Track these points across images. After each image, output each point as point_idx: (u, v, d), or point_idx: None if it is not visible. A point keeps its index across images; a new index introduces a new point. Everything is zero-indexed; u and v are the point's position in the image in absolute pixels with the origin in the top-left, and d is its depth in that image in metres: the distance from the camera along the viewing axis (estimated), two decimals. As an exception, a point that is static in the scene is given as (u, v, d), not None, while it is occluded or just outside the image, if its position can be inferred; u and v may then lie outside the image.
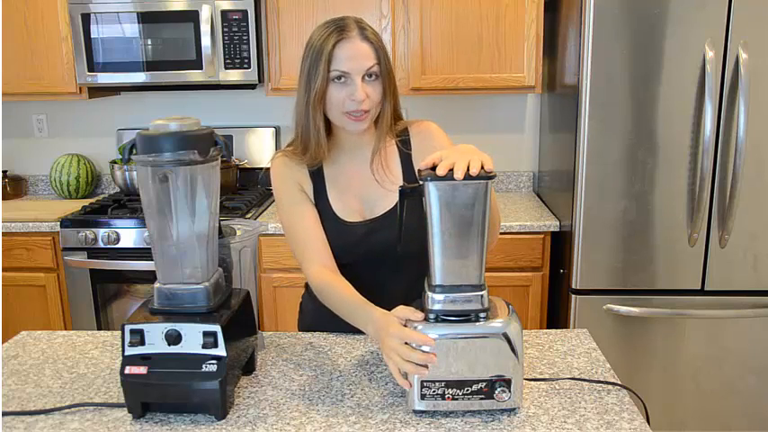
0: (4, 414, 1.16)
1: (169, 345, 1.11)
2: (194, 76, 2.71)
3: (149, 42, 2.70)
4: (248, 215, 2.65)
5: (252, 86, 2.91)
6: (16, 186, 3.22)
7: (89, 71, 2.74)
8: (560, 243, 2.50)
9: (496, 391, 1.10)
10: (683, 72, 2.15)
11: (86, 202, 2.93)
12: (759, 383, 2.35)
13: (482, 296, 1.11)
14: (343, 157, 1.47)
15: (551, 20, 2.69)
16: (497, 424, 1.10)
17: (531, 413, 1.13)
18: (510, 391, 1.10)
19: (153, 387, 1.11)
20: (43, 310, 2.71)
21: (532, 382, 1.24)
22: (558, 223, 2.52)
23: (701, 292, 2.30)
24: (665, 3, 2.12)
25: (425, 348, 1.08)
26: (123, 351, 1.12)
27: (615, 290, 2.32)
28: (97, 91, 2.90)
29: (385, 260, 1.41)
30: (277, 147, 3.11)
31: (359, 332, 1.46)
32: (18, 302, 2.71)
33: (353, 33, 1.32)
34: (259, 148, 3.11)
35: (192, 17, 2.66)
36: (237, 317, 1.19)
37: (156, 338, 1.11)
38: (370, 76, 1.34)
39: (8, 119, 3.22)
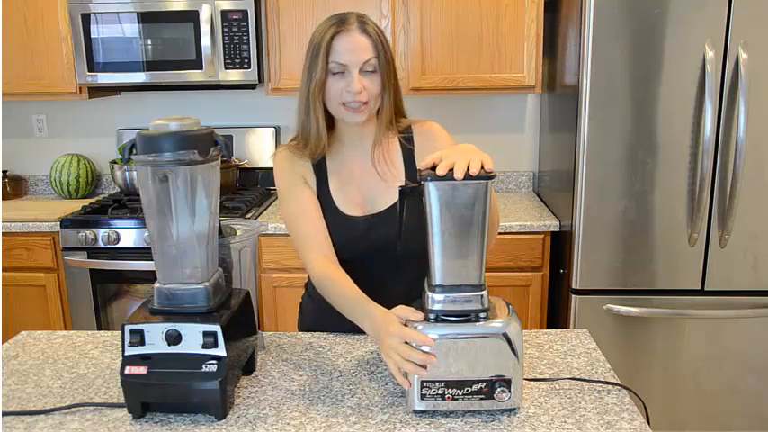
0: (4, 414, 1.16)
1: (169, 345, 1.11)
2: (194, 76, 2.71)
3: (149, 42, 2.70)
4: (248, 215, 2.65)
5: (252, 86, 2.91)
6: (16, 186, 3.22)
7: (89, 71, 2.74)
8: (560, 243, 2.50)
9: (496, 391, 1.10)
10: (683, 72, 2.15)
11: (86, 202, 2.93)
12: (759, 383, 2.35)
13: (482, 296, 1.11)
14: (345, 152, 1.48)
15: (551, 20, 2.69)
16: (497, 424, 1.10)
17: (531, 413, 1.13)
18: (510, 391, 1.10)
19: (153, 387, 1.11)
20: (43, 310, 2.71)
21: (532, 382, 1.24)
22: (558, 223, 2.52)
23: (701, 292, 2.30)
24: (665, 3, 2.12)
25: (425, 348, 1.08)
26: (123, 351, 1.12)
27: (615, 290, 2.32)
28: (97, 91, 2.90)
29: (385, 258, 1.41)
30: (277, 147, 3.10)
31: (359, 332, 1.46)
32: (18, 302, 2.71)
33: (353, 27, 1.35)
34: (259, 148, 3.11)
35: (191, 17, 2.66)
36: (237, 317, 1.19)
37: (156, 338, 1.11)
38: (369, 69, 1.35)
39: (8, 119, 3.22)
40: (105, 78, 2.74)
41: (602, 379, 1.26)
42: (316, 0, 2.67)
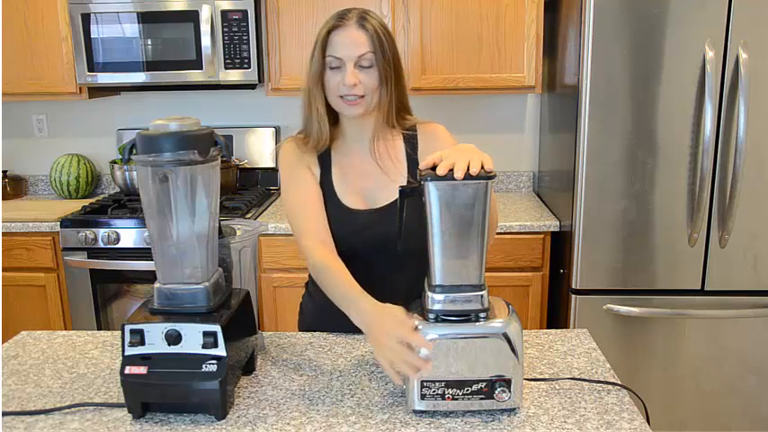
0: (4, 414, 1.16)
1: (169, 345, 1.11)
2: (194, 76, 2.71)
3: (149, 42, 2.70)
4: (248, 215, 2.65)
5: (252, 86, 2.91)
6: (16, 186, 3.22)
7: (89, 71, 2.74)
8: (560, 243, 2.50)
9: (496, 391, 1.10)
10: (683, 72, 2.15)
11: (86, 202, 2.93)
12: (759, 383, 2.35)
13: (482, 296, 1.11)
14: (348, 145, 1.50)
15: (551, 20, 2.69)
16: (497, 424, 1.10)
17: (531, 413, 1.13)
18: (510, 391, 1.10)
19: (153, 387, 1.11)
20: (43, 310, 2.71)
21: (532, 382, 1.24)
22: (558, 223, 2.52)
23: (701, 292, 2.30)
24: (665, 3, 2.12)
25: (423, 351, 1.08)
26: (123, 351, 1.12)
27: (615, 290, 2.32)
28: (97, 91, 2.90)
29: (385, 255, 1.41)
30: (277, 148, 3.10)
31: (359, 332, 1.46)
32: (18, 302, 2.71)
33: (350, 22, 1.38)
34: (259, 148, 3.11)
35: (191, 17, 2.66)
36: (237, 317, 1.19)
37: (156, 338, 1.11)
38: (365, 63, 1.38)
39: (8, 119, 3.22)
40: (105, 78, 2.74)
41: (602, 379, 1.26)
42: (316, 0, 2.67)
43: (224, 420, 1.13)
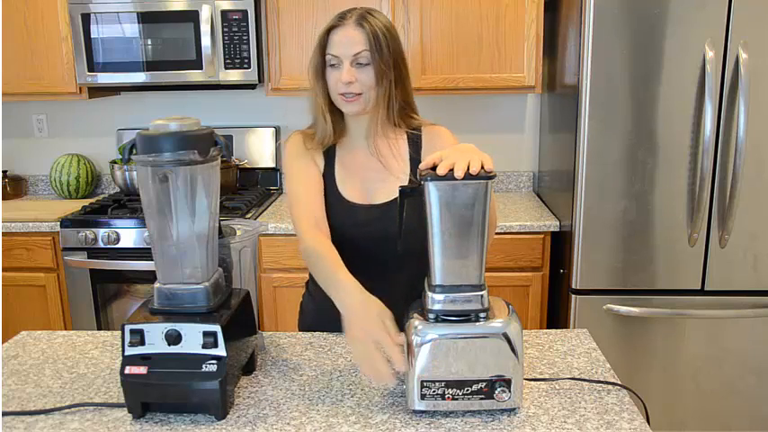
0: (4, 414, 1.16)
1: (169, 345, 1.11)
2: (194, 76, 2.71)
3: (149, 42, 2.70)
4: (248, 215, 2.65)
5: (252, 86, 2.91)
6: (16, 186, 3.22)
7: (89, 71, 2.74)
8: (560, 243, 2.50)
9: (496, 391, 1.10)
10: (683, 72, 2.15)
11: (86, 202, 2.93)
12: (759, 383, 2.35)
13: (482, 296, 1.11)
14: (352, 141, 1.53)
15: (551, 20, 2.69)
16: (497, 424, 1.10)
17: (531, 413, 1.13)
18: (510, 391, 1.10)
19: (153, 387, 1.11)
20: (43, 310, 2.71)
21: (532, 382, 1.24)
22: (558, 223, 2.52)
23: (701, 292, 2.30)
24: (665, 3, 2.12)
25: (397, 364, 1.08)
26: (123, 351, 1.12)
27: (615, 290, 2.32)
28: (97, 91, 2.90)
29: (385, 254, 1.41)
30: (277, 147, 3.11)
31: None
32: (18, 302, 2.71)
33: (350, 21, 1.41)
34: (259, 148, 3.11)
35: (191, 17, 2.66)
36: (237, 317, 1.19)
37: (156, 338, 1.11)
38: (362, 61, 1.40)
39: (8, 119, 3.22)
40: (105, 78, 2.74)
41: (602, 379, 1.26)
42: (316, 0, 2.67)
43: (224, 420, 1.12)
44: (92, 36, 2.70)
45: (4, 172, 3.17)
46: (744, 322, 2.31)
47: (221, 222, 1.27)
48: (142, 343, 1.12)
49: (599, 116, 2.20)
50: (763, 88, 2.15)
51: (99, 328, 2.69)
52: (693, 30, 2.12)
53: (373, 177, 1.49)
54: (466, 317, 1.11)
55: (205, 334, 1.11)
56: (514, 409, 1.14)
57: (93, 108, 3.19)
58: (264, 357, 1.37)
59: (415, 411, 1.13)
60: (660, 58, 2.15)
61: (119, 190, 3.03)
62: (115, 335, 1.51)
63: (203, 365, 1.10)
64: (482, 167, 1.07)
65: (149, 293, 1.29)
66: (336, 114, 1.49)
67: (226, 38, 2.67)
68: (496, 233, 2.46)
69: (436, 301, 1.11)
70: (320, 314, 1.56)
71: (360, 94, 1.42)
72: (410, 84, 1.51)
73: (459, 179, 1.05)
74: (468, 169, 1.06)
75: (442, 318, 1.11)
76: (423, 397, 1.11)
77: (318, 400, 1.19)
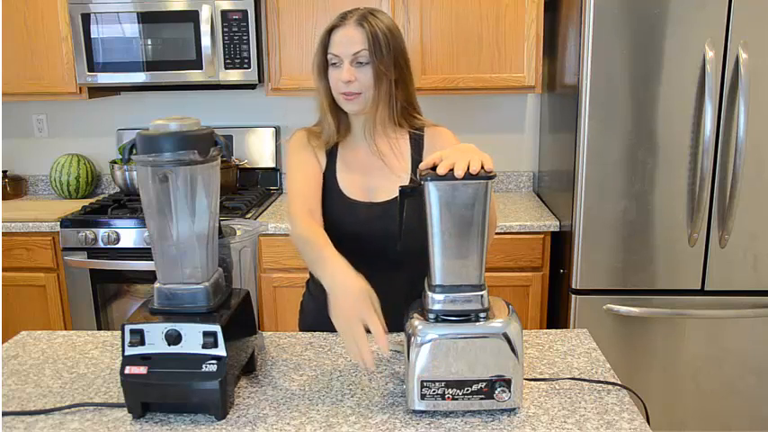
0: (4, 414, 1.16)
1: (169, 345, 1.11)
2: (194, 76, 2.71)
3: (149, 42, 2.69)
4: (248, 215, 2.65)
5: (252, 86, 2.91)
6: (16, 186, 3.22)
7: (89, 71, 2.74)
8: (560, 243, 2.50)
9: (496, 391, 1.10)
10: (683, 72, 2.15)
11: (86, 202, 2.93)
12: (759, 383, 2.35)
13: (482, 296, 1.11)
14: (355, 140, 1.54)
15: (551, 20, 2.69)
16: (497, 424, 1.10)
17: (531, 413, 1.13)
18: (510, 391, 1.10)
19: (153, 387, 1.11)
20: (43, 310, 2.71)
21: (532, 382, 1.24)
22: (558, 223, 2.52)
23: (701, 292, 2.30)
24: (665, 3, 2.12)
25: (381, 344, 1.09)
26: (123, 351, 1.12)
27: (615, 290, 2.32)
28: (97, 91, 2.90)
29: (386, 253, 1.41)
30: (277, 147, 3.11)
31: (359, 332, 1.46)
32: (18, 302, 2.71)
33: (350, 21, 1.43)
34: (259, 148, 3.11)
35: (191, 17, 2.66)
36: (237, 317, 1.19)
37: (156, 338, 1.11)
38: (361, 60, 1.42)
39: (8, 119, 3.22)
40: (105, 78, 2.74)
41: (602, 379, 1.26)
42: (316, 0, 2.67)
43: (224, 420, 1.13)
44: (92, 36, 2.70)
45: (4, 172, 3.17)
46: (744, 322, 2.31)
47: (221, 222, 1.27)
48: (142, 343, 1.12)
49: (599, 116, 2.20)
50: (763, 88, 2.15)
51: (99, 328, 2.69)
52: (693, 30, 2.12)
53: (375, 176, 1.50)
54: (466, 317, 1.11)
55: (205, 334, 1.11)
56: (514, 409, 1.14)
57: (93, 108, 3.19)
58: (264, 357, 1.37)
59: (415, 411, 1.13)
60: (660, 58, 2.15)
61: (119, 190, 3.03)
62: (115, 335, 1.51)
63: (203, 365, 1.10)
64: (482, 167, 1.07)
65: (149, 293, 1.29)
66: (340, 113, 1.51)
67: (226, 38, 2.67)
68: (496, 233, 2.46)
69: (436, 301, 1.11)
70: (321, 313, 1.56)
71: (359, 93, 1.43)
72: (413, 84, 1.53)
73: (460, 179, 1.05)
74: (468, 169, 1.06)
75: (442, 318, 1.11)
76: (423, 397, 1.11)
77: (318, 400, 1.19)
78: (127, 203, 2.79)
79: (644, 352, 2.34)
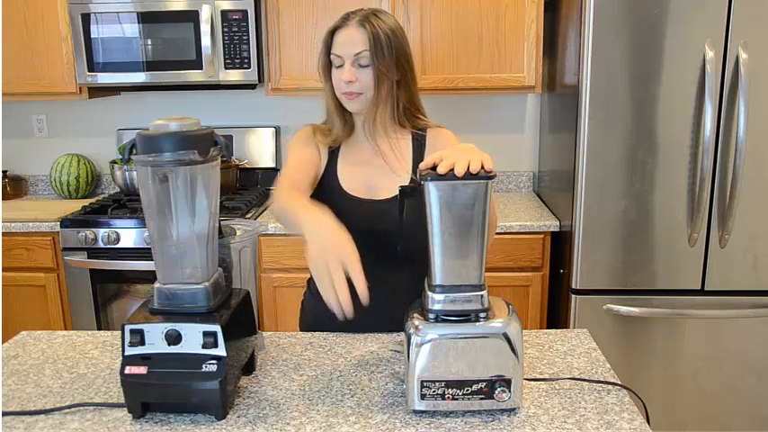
0: (4, 414, 1.16)
1: (169, 345, 1.11)
2: (194, 76, 2.71)
3: (149, 42, 2.70)
4: (248, 215, 2.65)
5: (252, 86, 2.91)
6: (16, 186, 3.22)
7: (89, 71, 2.74)
8: (560, 243, 2.50)
9: (496, 391, 1.10)
10: (683, 72, 2.15)
11: (86, 202, 2.93)
12: (759, 383, 2.35)
13: (482, 296, 1.11)
14: (358, 139, 1.55)
15: (551, 20, 2.69)
16: (497, 424, 1.10)
17: (531, 413, 1.13)
18: (510, 391, 1.10)
19: (153, 387, 1.11)
20: (43, 310, 2.71)
21: (532, 382, 1.24)
22: (558, 223, 2.52)
23: (701, 292, 2.30)
24: (665, 3, 2.12)
25: (359, 287, 1.05)
26: (123, 351, 1.12)
27: (615, 290, 2.32)
28: (97, 91, 2.90)
29: (386, 252, 1.41)
30: (277, 147, 3.11)
31: (359, 332, 1.47)
32: (18, 302, 2.71)
33: (352, 22, 1.44)
34: (259, 148, 3.11)
35: (191, 17, 2.66)
36: (237, 317, 1.19)
37: (156, 338, 1.11)
38: (363, 61, 1.43)
39: (8, 119, 3.22)
40: (105, 78, 2.74)
41: (602, 379, 1.26)
42: (316, 0, 2.67)
43: (224, 420, 1.13)
44: (92, 36, 2.70)
45: (4, 172, 3.17)
46: (744, 322, 2.31)
47: (221, 222, 1.27)
48: (142, 343, 1.12)
49: (599, 116, 2.20)
50: (763, 88, 2.15)
51: (99, 328, 2.69)
52: (693, 30, 2.12)
53: (376, 174, 1.51)
54: (466, 317, 1.11)
55: (205, 334, 1.11)
56: (514, 409, 1.14)
57: (93, 108, 3.19)
58: (264, 357, 1.37)
59: (415, 411, 1.13)
60: (660, 58, 2.15)
61: (119, 190, 3.03)
62: (115, 335, 1.51)
63: (203, 365, 1.10)
64: (482, 167, 1.07)
65: (149, 293, 1.29)
66: (345, 113, 1.52)
67: (226, 38, 2.67)
68: (497, 233, 2.46)
69: (436, 300, 1.11)
70: (322, 312, 1.56)
71: (361, 93, 1.45)
72: (416, 85, 1.54)
73: (460, 178, 1.05)
74: (469, 169, 1.06)
75: (442, 318, 1.11)
76: (423, 397, 1.11)
77: (318, 400, 1.19)
78: (127, 203, 2.79)
79: (644, 352, 2.34)
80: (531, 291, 2.57)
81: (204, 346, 1.11)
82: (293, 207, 1.24)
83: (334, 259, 1.07)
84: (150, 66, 2.72)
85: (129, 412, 1.13)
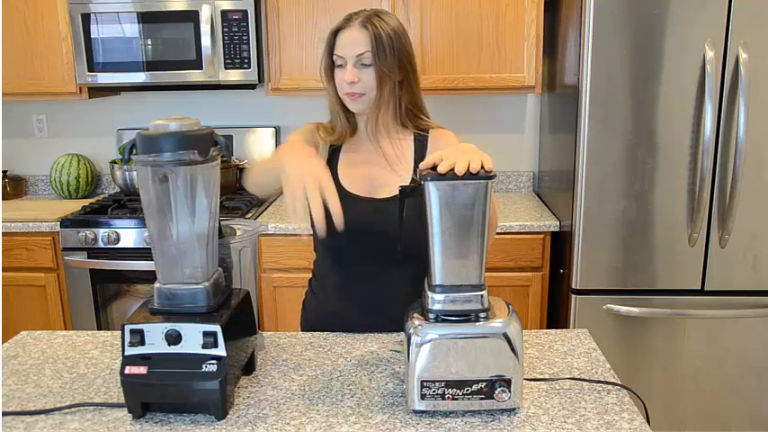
0: (4, 414, 1.16)
1: (169, 345, 1.11)
2: (194, 76, 2.71)
3: (149, 42, 2.70)
4: (248, 215, 2.65)
5: (252, 86, 2.91)
6: (16, 186, 3.22)
7: (89, 71, 2.74)
8: (560, 243, 2.50)
9: (496, 391, 1.10)
10: (683, 72, 2.15)
11: (86, 202, 2.93)
12: (759, 383, 2.35)
13: (482, 296, 1.11)
14: (360, 139, 1.56)
15: (551, 20, 2.69)
16: (497, 424, 1.10)
17: (531, 413, 1.13)
18: (510, 391, 1.10)
19: (153, 387, 1.11)
20: (43, 310, 2.71)
21: (532, 382, 1.24)
22: (558, 223, 2.52)
23: (701, 292, 2.30)
24: (665, 3, 2.12)
25: (331, 204, 1.10)
26: (123, 351, 1.12)
27: (615, 290, 2.32)
28: (97, 91, 2.90)
29: (386, 252, 1.41)
30: (277, 147, 3.11)
31: (359, 332, 1.47)
32: (18, 302, 2.71)
33: (355, 23, 1.44)
34: (259, 148, 3.11)
35: (191, 17, 2.66)
36: (237, 317, 1.19)
37: (156, 338, 1.11)
38: (365, 62, 1.43)
39: (8, 119, 3.22)
40: (105, 78, 2.74)
41: (602, 379, 1.26)
42: (316, 0, 2.67)
43: (224, 420, 1.12)
44: (92, 36, 2.70)
45: (4, 172, 3.17)
46: (744, 322, 2.31)
47: (221, 222, 1.27)
48: (142, 343, 1.12)
49: (599, 116, 2.20)
50: (763, 88, 2.15)
51: (99, 328, 2.69)
52: (693, 30, 2.12)
53: (378, 173, 1.51)
54: (466, 317, 1.11)
55: (205, 334, 1.11)
56: (514, 409, 1.14)
57: (93, 108, 3.19)
58: (264, 357, 1.37)
59: (415, 411, 1.13)
60: (660, 58, 2.15)
61: (119, 190, 3.03)
62: (115, 335, 1.51)
63: (203, 365, 1.10)
64: (482, 167, 1.07)
65: (149, 293, 1.29)
66: (348, 113, 1.53)
67: (226, 38, 2.67)
68: (497, 233, 2.46)
69: (436, 300, 1.11)
70: (323, 312, 1.57)
71: (363, 93, 1.45)
72: (418, 86, 1.54)
73: (459, 177, 1.05)
74: (469, 169, 1.06)
75: (442, 318, 1.11)
76: (423, 397, 1.11)
77: (318, 400, 1.19)
78: (127, 203, 2.79)
79: (644, 352, 2.34)
80: (531, 291, 2.57)
81: (204, 346, 1.11)
82: (270, 158, 1.31)
83: (311, 181, 1.11)
84: (150, 66, 2.72)
85: (129, 412, 1.13)
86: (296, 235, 2.52)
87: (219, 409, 1.12)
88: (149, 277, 2.22)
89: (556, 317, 2.57)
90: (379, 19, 1.44)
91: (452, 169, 1.06)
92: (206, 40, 2.64)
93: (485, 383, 1.10)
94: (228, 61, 2.69)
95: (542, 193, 2.98)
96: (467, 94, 2.83)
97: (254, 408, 1.17)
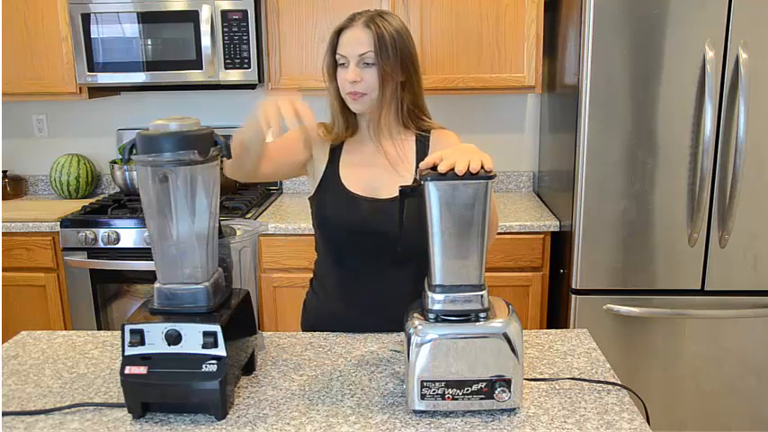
0: (4, 414, 1.16)
1: (169, 345, 1.11)
2: (194, 76, 2.71)
3: (149, 42, 2.69)
4: (248, 215, 2.65)
5: (252, 86, 2.91)
6: (16, 186, 3.22)
7: (89, 71, 2.74)
8: (560, 243, 2.50)
9: (496, 391, 1.10)
10: (683, 72, 2.15)
11: (86, 202, 2.93)
12: (759, 383, 2.35)
13: (482, 296, 1.11)
14: (362, 140, 1.56)
15: (551, 20, 2.69)
16: (497, 424, 1.10)
17: (531, 413, 1.13)
18: (510, 391, 1.10)
19: (153, 387, 1.11)
20: (43, 310, 2.71)
21: (532, 382, 1.24)
22: (558, 223, 2.52)
23: (701, 292, 2.30)
24: (665, 3, 2.12)
25: (305, 121, 1.21)
26: (123, 351, 1.12)
27: (615, 290, 2.32)
28: (97, 91, 2.90)
29: (387, 252, 1.41)
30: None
31: (359, 332, 1.47)
32: (18, 302, 2.71)
33: (358, 23, 1.45)
34: (259, 148, 3.10)
35: (191, 17, 2.66)
36: (237, 317, 1.19)
37: (156, 338, 1.11)
38: (367, 61, 1.44)
39: (8, 119, 3.22)
40: (105, 78, 2.74)
41: (602, 379, 1.26)
42: (316, 0, 2.67)
43: (224, 420, 1.13)
44: (92, 36, 2.70)
45: (4, 172, 3.17)
46: (744, 322, 2.31)
47: (221, 222, 1.27)
48: (142, 343, 1.12)
49: (599, 116, 2.20)
50: (763, 88, 2.15)
51: (99, 328, 2.69)
52: (693, 30, 2.12)
53: (379, 174, 1.51)
54: (466, 317, 1.11)
55: (205, 334, 1.11)
56: (514, 409, 1.14)
57: (93, 108, 3.19)
58: (264, 357, 1.37)
59: (415, 411, 1.13)
60: (660, 58, 2.15)
61: (119, 190, 3.03)
62: (115, 335, 1.51)
63: (203, 365, 1.10)
64: (482, 167, 1.07)
65: (149, 293, 1.29)
66: (349, 113, 1.53)
67: (226, 38, 2.67)
68: (497, 233, 2.46)
69: (436, 301, 1.11)
70: (323, 312, 1.57)
71: (365, 93, 1.45)
72: (421, 86, 1.54)
73: (460, 177, 1.05)
74: (469, 169, 1.06)
75: (442, 318, 1.11)
76: (423, 397, 1.11)
77: (318, 400, 1.19)
78: (127, 203, 2.79)
79: (644, 352, 2.34)
80: (531, 291, 2.57)
81: (204, 346, 1.11)
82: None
83: (284, 99, 1.21)
84: (150, 66, 2.72)
85: (129, 412, 1.13)
86: (296, 235, 2.52)
87: (219, 409, 1.12)
88: (149, 277, 2.22)
89: (556, 317, 2.57)
90: (382, 19, 1.45)
91: (452, 169, 1.06)
92: (206, 40, 2.64)
93: (485, 383, 1.10)
94: (228, 61, 2.69)
95: (542, 193, 2.98)
96: (467, 94, 2.83)
97: (254, 408, 1.17)
